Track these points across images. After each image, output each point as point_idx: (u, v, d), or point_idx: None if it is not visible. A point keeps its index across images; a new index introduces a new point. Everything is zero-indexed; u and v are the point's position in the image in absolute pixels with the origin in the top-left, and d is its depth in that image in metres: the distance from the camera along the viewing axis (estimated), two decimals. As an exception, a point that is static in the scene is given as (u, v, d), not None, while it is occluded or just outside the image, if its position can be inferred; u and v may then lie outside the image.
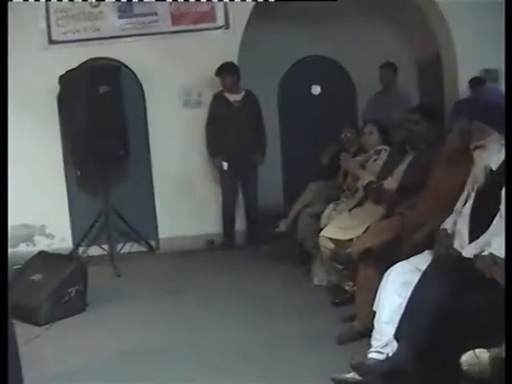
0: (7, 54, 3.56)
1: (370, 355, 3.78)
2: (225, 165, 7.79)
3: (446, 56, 8.95)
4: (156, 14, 7.92)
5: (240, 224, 8.18)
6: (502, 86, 8.13)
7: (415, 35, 9.93)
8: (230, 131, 7.66)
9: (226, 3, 7.95)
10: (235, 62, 7.89)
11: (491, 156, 3.85)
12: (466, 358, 2.85)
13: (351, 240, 4.87)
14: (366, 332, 4.16)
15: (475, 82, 8.01)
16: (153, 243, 8.17)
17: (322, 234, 5.24)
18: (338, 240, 5.06)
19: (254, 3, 7.96)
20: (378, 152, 5.78)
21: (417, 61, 10.27)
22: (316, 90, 10.37)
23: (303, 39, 9.81)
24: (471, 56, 8.47)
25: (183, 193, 8.12)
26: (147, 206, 8.13)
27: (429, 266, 3.57)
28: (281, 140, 10.19)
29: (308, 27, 9.67)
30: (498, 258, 3.39)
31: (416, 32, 9.81)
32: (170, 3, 7.90)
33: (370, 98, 8.53)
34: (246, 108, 7.84)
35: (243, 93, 7.90)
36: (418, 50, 10.11)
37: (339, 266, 5.16)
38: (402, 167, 5.17)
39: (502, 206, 3.71)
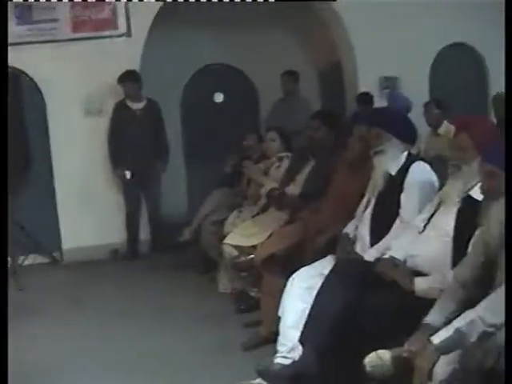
0: (7, 53, 3.45)
1: (276, 360, 3.78)
2: (127, 174, 7.69)
3: (346, 64, 9.13)
4: (56, 20, 7.72)
5: (144, 233, 8.09)
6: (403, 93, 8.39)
7: (317, 43, 10.07)
8: (131, 140, 7.57)
9: (127, 10, 7.85)
10: (137, 69, 7.81)
11: (390, 161, 3.94)
12: (369, 359, 2.88)
13: (255, 247, 4.88)
14: (272, 337, 4.18)
15: (362, 99, 8.16)
16: (56, 254, 7.98)
17: (225, 241, 5.24)
18: (242, 247, 5.06)
19: (156, 10, 7.89)
20: (281, 159, 5.83)
21: (318, 68, 10.42)
22: (219, 97, 10.37)
23: (206, 47, 9.80)
24: (370, 64, 8.67)
25: (86, 203, 7.95)
26: (50, 217, 7.92)
27: (331, 271, 3.61)
28: (184, 148, 10.14)
29: (211, 35, 9.67)
30: (398, 260, 3.48)
31: (317, 40, 9.95)
32: (71, 9, 7.72)
33: (272, 105, 8.60)
34: (148, 116, 7.77)
35: (145, 101, 7.82)
36: (319, 57, 10.26)
37: (243, 273, 5.16)
38: (304, 173, 5.23)
39: (402, 210, 3.82)
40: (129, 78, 7.61)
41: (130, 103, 7.71)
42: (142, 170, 7.72)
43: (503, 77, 8.88)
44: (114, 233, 7.95)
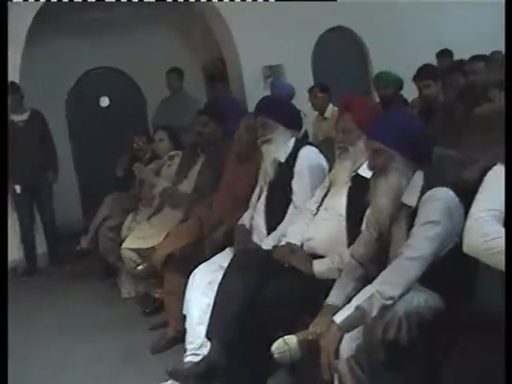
0: (7, 53, 3.27)
1: (186, 359, 3.77)
2: (17, 188, 7.46)
3: (229, 57, 9.16)
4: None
5: (41, 247, 7.88)
6: (286, 81, 8.48)
7: (199, 39, 10.08)
8: (17, 153, 7.33)
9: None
10: (16, 80, 7.57)
11: (278, 149, 3.97)
12: (276, 345, 2.90)
13: (153, 248, 4.82)
14: (181, 337, 4.15)
15: None
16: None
17: (123, 246, 5.16)
18: (140, 249, 5.00)
19: (31, 19, 7.67)
20: (171, 157, 5.79)
21: (203, 64, 10.42)
22: (104, 101, 10.23)
23: (87, 51, 9.64)
24: (253, 54, 8.74)
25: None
26: None
27: (230, 263, 3.61)
28: (73, 155, 9.95)
29: (92, 39, 9.52)
30: (295, 245, 3.51)
31: (200, 36, 9.96)
32: None
33: (159, 104, 8.53)
34: (32, 127, 7.54)
35: (28, 112, 7.60)
36: (202, 53, 10.27)
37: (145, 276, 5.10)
38: (196, 169, 5.21)
39: (294, 196, 3.85)
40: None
41: (12, 116, 7.46)
42: (32, 183, 7.51)
43: (383, 57, 9.19)
44: (10, 250, 7.70)
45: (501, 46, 8.44)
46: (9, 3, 6.37)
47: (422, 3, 9.86)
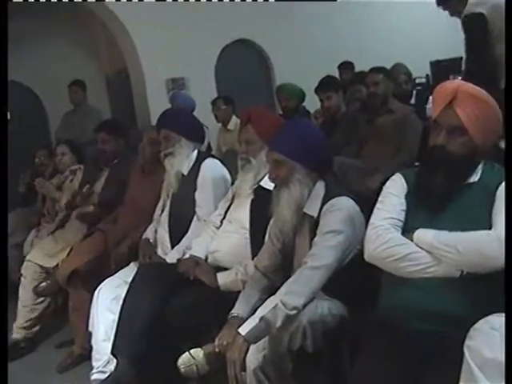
0: (7, 53, 3.08)
1: (93, 377, 3.71)
2: None
3: (132, 69, 9.08)
4: None
5: None
6: (189, 93, 8.47)
7: (102, 51, 9.96)
8: None
9: None
10: None
11: (181, 162, 3.96)
12: (182, 359, 2.89)
13: (58, 265, 4.70)
14: (87, 354, 4.07)
15: None
16: None
17: (27, 257, 4.98)
18: (45, 267, 4.86)
19: None
20: (74, 172, 5.67)
21: (106, 76, 10.31)
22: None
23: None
24: (156, 67, 8.69)
25: None
26: None
27: (134, 277, 3.56)
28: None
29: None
30: (199, 258, 3.51)
31: (103, 47, 9.85)
32: None
33: (62, 118, 8.37)
34: None
35: None
36: (106, 65, 10.16)
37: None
38: (100, 183, 5.13)
39: (197, 208, 3.85)
40: None
41: None
42: None
43: (286, 69, 9.30)
44: None
45: (407, 54, 8.75)
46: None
47: (324, 14, 10.05)
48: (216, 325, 2.99)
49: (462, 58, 8.07)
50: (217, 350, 2.83)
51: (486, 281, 2.32)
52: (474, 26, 3.92)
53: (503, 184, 2.44)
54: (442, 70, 8.82)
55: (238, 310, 2.95)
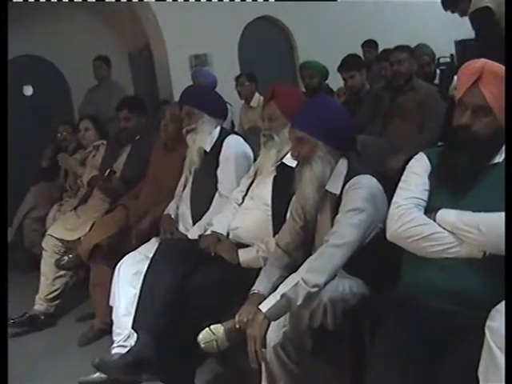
0: (7, 53, 3.15)
1: (114, 351, 3.73)
2: None
3: (155, 46, 9.07)
4: None
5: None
6: (212, 70, 8.45)
7: (126, 27, 9.95)
8: None
9: None
10: None
11: (204, 138, 3.96)
12: (202, 335, 2.89)
13: (79, 239, 4.74)
14: (108, 328, 4.10)
15: None
16: None
17: (48, 232, 5.02)
18: (66, 241, 4.90)
19: None
20: (97, 147, 5.70)
21: (129, 52, 10.30)
22: (28, 90, 9.97)
23: (10, 39, 9.38)
24: (180, 43, 8.68)
25: None
26: None
27: (156, 253, 3.57)
28: (-4, 146, 9.70)
29: (12, 26, 9.26)
30: (221, 235, 3.51)
31: (126, 24, 9.84)
32: None
33: (86, 93, 8.39)
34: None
35: None
36: (129, 41, 10.14)
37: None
38: (122, 159, 5.15)
39: (219, 185, 3.85)
40: None
41: None
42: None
43: (309, 47, 9.25)
44: None
45: (432, 33, 8.65)
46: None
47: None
48: (237, 301, 2.99)
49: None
50: (237, 326, 2.84)
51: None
52: (482, 21, 3.94)
53: None
54: (467, 49, 8.74)
55: (259, 286, 2.95)
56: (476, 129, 2.44)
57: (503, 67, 2.47)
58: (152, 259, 3.54)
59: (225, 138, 3.95)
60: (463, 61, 2.64)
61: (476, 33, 4.07)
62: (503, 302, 2.07)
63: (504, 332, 1.98)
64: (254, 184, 3.60)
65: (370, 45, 8.30)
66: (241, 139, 4.04)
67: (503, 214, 2.29)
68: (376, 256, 2.73)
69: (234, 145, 3.93)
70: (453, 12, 4.32)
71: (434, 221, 2.42)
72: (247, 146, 4.01)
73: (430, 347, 2.29)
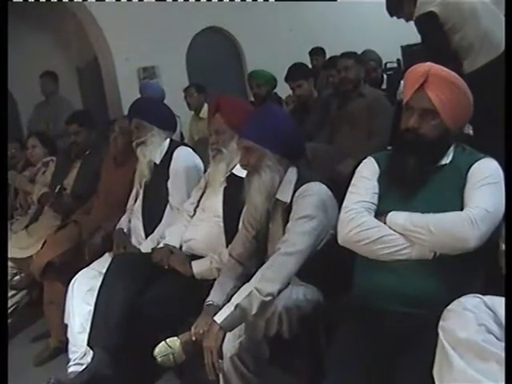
0: (7, 53, 3.07)
1: (70, 369, 3.67)
2: None
3: (103, 59, 9.03)
4: None
5: None
6: (160, 81, 8.44)
7: (72, 41, 9.89)
8: None
9: None
10: None
11: (153, 151, 3.95)
12: (159, 349, 2.87)
13: (31, 257, 4.65)
14: (63, 347, 4.05)
15: None
16: None
17: (-1, 253, 4.95)
18: (18, 259, 4.82)
19: None
20: (46, 164, 5.62)
21: (77, 66, 10.23)
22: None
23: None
24: (127, 56, 8.65)
25: None
26: None
27: (109, 268, 3.54)
28: None
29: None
30: (174, 247, 3.50)
31: (72, 38, 9.78)
32: None
33: (34, 109, 8.29)
34: None
35: None
36: (76, 55, 10.08)
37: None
38: (72, 175, 5.10)
39: (171, 197, 3.84)
40: None
41: None
42: None
43: (258, 56, 9.29)
44: None
45: (378, 39, 8.74)
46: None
47: (295, 3, 10.03)
48: (192, 313, 2.98)
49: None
50: (193, 338, 2.83)
51: (459, 262, 2.34)
52: (427, 25, 4.02)
53: (474, 165, 2.47)
54: (413, 54, 8.84)
55: (214, 297, 2.94)
56: (423, 132, 2.48)
57: (449, 71, 2.52)
58: (105, 275, 3.51)
59: (174, 149, 3.94)
60: (409, 66, 2.68)
61: (422, 37, 4.15)
62: (455, 302, 2.10)
63: (457, 331, 2.00)
64: (204, 195, 3.59)
65: (317, 52, 8.37)
66: (190, 151, 4.04)
67: (452, 213, 2.35)
68: (329, 262, 2.74)
69: (184, 157, 3.93)
70: (398, 17, 4.38)
71: (385, 223, 2.46)
72: (197, 157, 4.01)
73: (386, 350, 2.32)
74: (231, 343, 2.67)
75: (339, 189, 2.78)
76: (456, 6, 3.95)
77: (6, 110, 3.37)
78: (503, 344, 1.97)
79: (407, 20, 4.33)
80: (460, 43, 3.99)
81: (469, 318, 2.01)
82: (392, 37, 9.51)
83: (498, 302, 2.05)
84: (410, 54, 9.11)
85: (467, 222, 2.30)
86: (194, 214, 3.60)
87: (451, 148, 2.56)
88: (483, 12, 4.06)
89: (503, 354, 1.93)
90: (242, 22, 9.67)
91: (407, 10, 4.20)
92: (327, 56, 7.87)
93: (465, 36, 3.99)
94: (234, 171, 3.40)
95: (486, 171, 2.45)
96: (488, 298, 2.07)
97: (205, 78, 8.66)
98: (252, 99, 6.61)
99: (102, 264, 3.81)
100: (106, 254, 4.00)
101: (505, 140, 2.42)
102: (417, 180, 2.50)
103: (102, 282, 3.47)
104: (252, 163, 2.89)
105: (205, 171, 3.82)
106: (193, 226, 3.53)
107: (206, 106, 7.27)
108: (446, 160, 2.54)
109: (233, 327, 2.67)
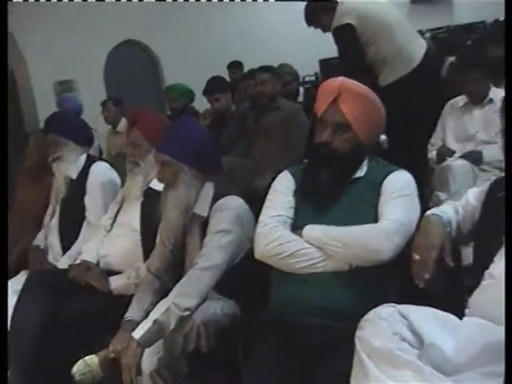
0: (7, 53, 2.99)
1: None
2: None
3: (19, 72, 8.88)
4: None
5: None
6: (78, 95, 8.35)
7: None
8: None
9: None
10: None
11: (69, 166, 3.90)
12: (77, 367, 2.82)
13: None
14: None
15: None
16: None
17: None
18: None
19: None
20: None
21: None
22: None
23: None
24: (43, 70, 8.52)
25: None
26: None
27: (24, 286, 3.46)
28: None
29: None
30: (91, 263, 3.45)
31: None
32: None
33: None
34: None
35: None
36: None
37: None
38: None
39: (87, 212, 3.80)
40: None
41: None
42: None
43: (176, 69, 9.28)
44: None
45: (297, 52, 8.83)
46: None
47: (212, 15, 10.07)
48: (111, 330, 2.95)
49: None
50: (112, 355, 2.79)
51: (375, 273, 2.39)
52: (344, 36, 4.14)
53: (388, 178, 2.53)
54: (331, 68, 8.98)
55: (131, 313, 2.92)
56: (336, 145, 2.52)
57: (361, 85, 2.58)
58: (20, 293, 3.42)
59: (91, 165, 3.90)
60: (325, 79, 2.73)
61: (338, 48, 4.24)
62: (371, 312, 2.13)
63: (372, 340, 2.03)
64: (121, 210, 3.57)
65: (235, 66, 8.43)
66: (107, 165, 4.01)
67: (366, 226, 2.40)
68: (246, 276, 2.76)
69: (101, 172, 3.90)
70: (316, 27, 4.45)
71: (301, 237, 2.48)
72: (114, 172, 3.98)
73: (304, 363, 2.34)
74: (150, 359, 2.66)
75: (257, 202, 2.80)
76: (372, 20, 4.07)
77: (6, 110, 3.28)
78: (418, 351, 2.01)
79: (324, 31, 4.41)
80: (375, 56, 4.11)
81: (383, 326, 2.04)
82: (311, 50, 9.65)
83: (412, 311, 2.10)
84: (328, 68, 9.26)
85: (381, 234, 2.35)
86: (112, 229, 3.57)
87: (365, 161, 2.61)
88: (398, 28, 4.20)
89: (418, 362, 1.97)
90: (160, 35, 9.64)
91: (325, 21, 4.29)
92: (245, 69, 7.93)
93: (379, 50, 4.11)
94: (151, 185, 3.40)
95: (399, 183, 2.52)
96: (402, 307, 2.10)
97: (123, 91, 8.60)
98: (169, 113, 6.59)
99: (18, 282, 3.72)
100: (22, 272, 3.90)
101: (505, 140, 2.43)
102: (331, 193, 2.54)
103: (18, 300, 3.38)
104: (168, 177, 2.89)
105: (122, 185, 3.79)
106: (110, 241, 3.50)
107: (123, 120, 7.23)
108: (360, 173, 2.59)
109: (151, 343, 2.65)
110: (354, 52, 4.12)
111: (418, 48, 4.27)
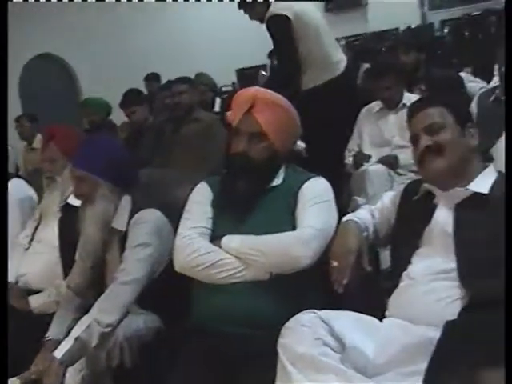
0: (7, 54, 2.98)
1: None
2: None
3: None
4: None
5: None
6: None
7: None
8: None
9: None
10: None
11: None
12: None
13: None
14: None
15: None
16: None
17: None
18: None
19: None
20: None
21: None
22: None
23: None
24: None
25: None
26: None
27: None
28: None
29: None
30: (10, 282, 3.36)
31: None
32: None
33: None
34: None
35: None
36: None
37: None
38: None
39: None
40: None
41: None
42: None
43: (92, 83, 9.18)
44: None
45: (215, 62, 8.85)
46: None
47: (131, 29, 10.02)
48: (33, 351, 2.90)
49: (265, 65, 8.41)
50: (33, 377, 2.75)
51: (295, 280, 2.41)
52: (279, 27, 4.21)
53: (304, 185, 2.56)
54: (246, 77, 9.07)
55: (52, 332, 2.88)
56: (252, 155, 2.54)
57: (274, 93, 2.61)
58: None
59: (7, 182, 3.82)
60: (242, 88, 2.75)
61: (273, 39, 4.30)
62: (292, 319, 2.14)
63: (295, 347, 2.05)
64: (39, 227, 3.52)
65: (152, 77, 8.40)
66: (24, 182, 3.95)
67: (284, 234, 2.43)
68: (167, 288, 2.74)
69: (17, 189, 3.82)
70: (245, 13, 4.50)
71: (220, 247, 2.49)
72: (31, 188, 3.92)
73: (227, 372, 2.34)
74: (73, 378, 2.63)
75: (177, 214, 2.80)
76: (306, 20, 4.19)
77: (6, 111, 3.18)
78: (340, 355, 2.04)
79: (251, 18, 4.47)
80: (304, 55, 4.18)
81: (305, 333, 2.06)
82: (228, 60, 9.71)
83: (333, 316, 2.13)
84: (244, 78, 9.34)
85: (299, 242, 2.38)
86: (30, 247, 3.50)
87: (282, 169, 2.64)
88: (325, 35, 4.28)
89: (341, 366, 2.00)
90: (75, 48, 9.52)
91: (259, 10, 4.35)
92: (163, 81, 7.91)
93: (310, 51, 4.19)
94: (69, 201, 3.35)
95: (315, 191, 2.55)
96: (323, 313, 2.13)
97: (39, 106, 8.45)
98: (87, 127, 6.52)
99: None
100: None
101: (505, 140, 2.44)
102: (248, 203, 2.56)
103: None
104: (85, 193, 2.86)
105: (39, 203, 3.73)
106: (28, 259, 3.44)
107: (38, 135, 7.10)
108: (277, 181, 2.61)
109: (73, 361, 2.61)
110: (289, 43, 4.19)
111: (341, 58, 4.40)
